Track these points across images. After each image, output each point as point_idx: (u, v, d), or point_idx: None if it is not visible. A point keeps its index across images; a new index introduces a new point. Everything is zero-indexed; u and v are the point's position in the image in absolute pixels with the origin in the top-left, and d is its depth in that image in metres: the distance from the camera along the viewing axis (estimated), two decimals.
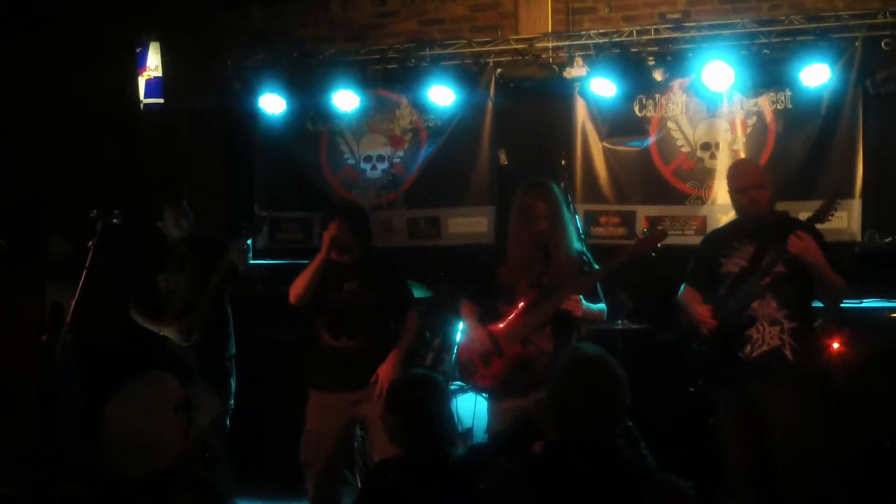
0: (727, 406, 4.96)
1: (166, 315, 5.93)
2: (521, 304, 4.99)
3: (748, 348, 4.83)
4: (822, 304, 5.11)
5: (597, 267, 5.10)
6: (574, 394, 2.90)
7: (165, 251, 6.03)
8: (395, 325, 5.45)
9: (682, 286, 5.21)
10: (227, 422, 6.00)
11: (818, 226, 4.75)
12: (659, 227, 5.28)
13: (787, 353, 4.78)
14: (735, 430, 4.93)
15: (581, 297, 4.86)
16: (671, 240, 6.70)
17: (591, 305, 4.97)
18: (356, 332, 5.31)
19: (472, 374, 5.17)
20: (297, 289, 5.40)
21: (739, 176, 5.04)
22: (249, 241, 6.18)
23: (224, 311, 6.07)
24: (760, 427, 4.81)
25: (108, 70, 8.02)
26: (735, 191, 5.01)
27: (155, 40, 7.90)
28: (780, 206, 5.78)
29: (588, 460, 2.83)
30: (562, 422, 2.93)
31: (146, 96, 8.00)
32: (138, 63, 7.98)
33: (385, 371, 5.24)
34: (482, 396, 5.80)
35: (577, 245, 5.14)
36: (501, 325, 5.05)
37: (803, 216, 5.03)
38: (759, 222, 4.90)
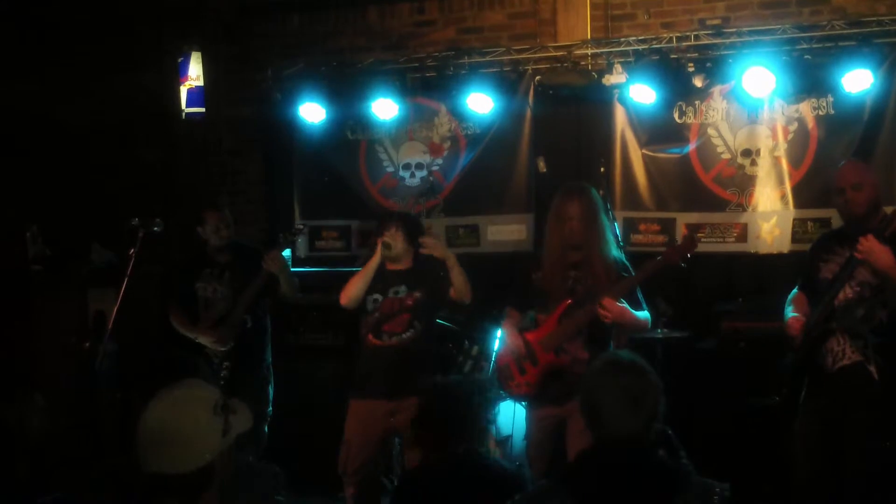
0: (805, 419, 4.78)
1: (203, 322, 5.99)
2: (557, 311, 4.97)
3: (829, 361, 4.61)
4: None
5: (633, 273, 5.07)
6: (605, 396, 2.89)
7: (204, 259, 6.08)
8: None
9: (795, 289, 5.04)
10: (266, 429, 6.05)
11: None
12: (695, 237, 5.18)
13: (872, 369, 4.50)
14: (808, 443, 4.74)
15: (622, 302, 4.83)
16: (711, 247, 6.69)
17: (636, 312, 4.93)
18: (400, 329, 5.37)
19: (508, 381, 5.17)
20: (348, 291, 5.50)
21: (837, 177, 4.78)
22: (288, 252, 6.20)
23: (262, 319, 6.10)
24: (835, 442, 4.60)
25: (150, 79, 8.12)
26: (834, 192, 4.77)
27: (196, 50, 7.97)
28: (822, 214, 5.73)
29: (620, 464, 2.82)
30: (593, 425, 2.92)
31: (188, 105, 8.08)
32: (180, 73, 8.06)
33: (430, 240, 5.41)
34: (520, 404, 5.80)
35: (614, 252, 5.11)
36: (537, 333, 5.04)
37: None
38: (858, 225, 4.59)
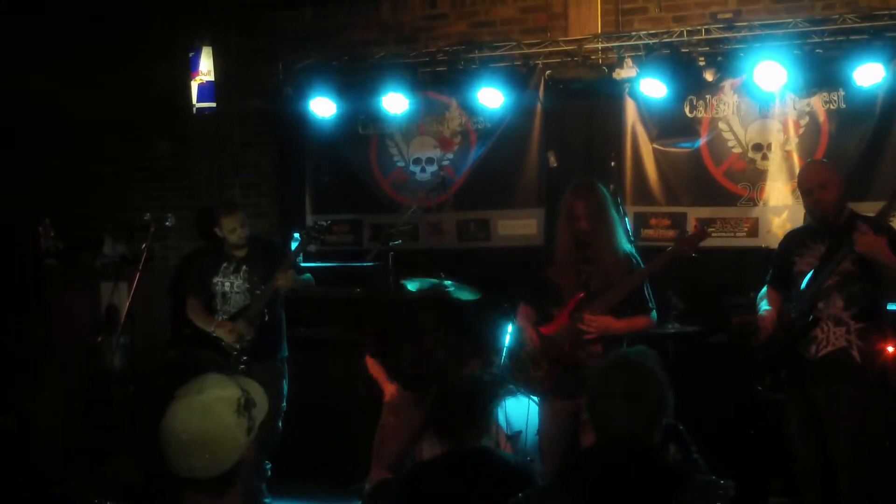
0: (794, 407, 4.94)
1: (220, 316, 6.02)
2: (570, 305, 4.98)
3: (813, 349, 4.79)
4: None
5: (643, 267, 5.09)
6: (607, 396, 2.89)
7: (222, 253, 6.10)
8: None
9: (765, 287, 5.20)
10: (280, 424, 6.07)
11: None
12: (705, 228, 5.25)
13: (855, 354, 4.71)
14: (801, 431, 4.90)
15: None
16: (722, 241, 6.68)
17: (630, 317, 4.95)
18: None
19: (523, 376, 5.18)
20: None
21: (804, 177, 5.04)
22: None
23: (278, 313, 6.13)
24: (825, 428, 4.76)
25: (162, 72, 8.14)
26: (801, 192, 5.03)
27: (207, 44, 7.98)
28: None
29: (621, 463, 2.82)
30: (594, 423, 2.92)
31: (199, 100, 8.09)
32: (191, 67, 8.08)
33: None
34: (532, 400, 5.80)
35: (625, 246, 5.12)
36: (550, 327, 5.05)
37: None
38: (828, 222, 4.83)
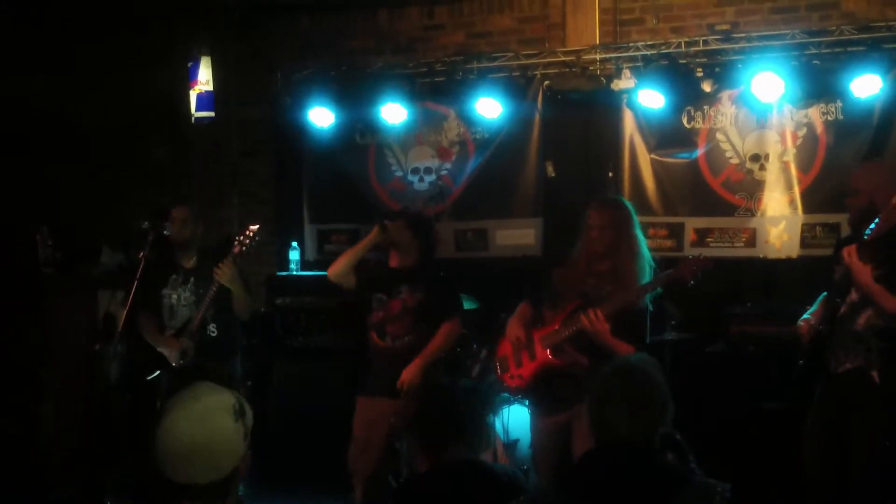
0: (812, 419, 4.82)
1: (168, 331, 5.85)
2: (565, 311, 4.95)
3: (833, 364, 4.65)
4: None
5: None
6: (609, 399, 2.90)
7: (172, 264, 5.94)
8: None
9: (823, 294, 4.99)
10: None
11: None
12: (708, 258, 5.06)
13: (874, 374, 4.52)
14: (816, 446, 4.78)
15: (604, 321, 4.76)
16: (720, 251, 6.70)
17: (620, 340, 4.74)
18: (402, 332, 5.38)
19: (504, 371, 5.17)
20: (335, 265, 5.54)
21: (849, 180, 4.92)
22: (296, 255, 6.12)
23: (230, 332, 5.91)
24: (841, 445, 4.64)
25: (161, 77, 8.13)
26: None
27: (206, 53, 7.99)
28: (830, 219, 5.74)
29: (618, 465, 2.82)
30: (594, 427, 2.93)
31: (197, 110, 8.10)
32: (190, 77, 8.08)
33: (408, 375, 5.28)
34: (523, 404, 5.76)
35: (647, 269, 4.95)
36: (541, 330, 5.03)
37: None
38: (856, 230, 4.71)
